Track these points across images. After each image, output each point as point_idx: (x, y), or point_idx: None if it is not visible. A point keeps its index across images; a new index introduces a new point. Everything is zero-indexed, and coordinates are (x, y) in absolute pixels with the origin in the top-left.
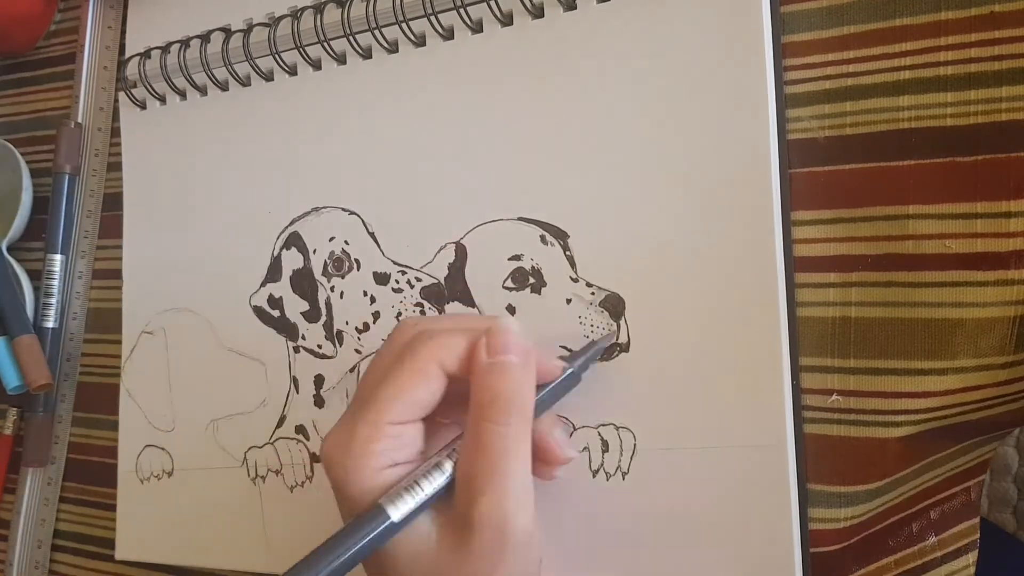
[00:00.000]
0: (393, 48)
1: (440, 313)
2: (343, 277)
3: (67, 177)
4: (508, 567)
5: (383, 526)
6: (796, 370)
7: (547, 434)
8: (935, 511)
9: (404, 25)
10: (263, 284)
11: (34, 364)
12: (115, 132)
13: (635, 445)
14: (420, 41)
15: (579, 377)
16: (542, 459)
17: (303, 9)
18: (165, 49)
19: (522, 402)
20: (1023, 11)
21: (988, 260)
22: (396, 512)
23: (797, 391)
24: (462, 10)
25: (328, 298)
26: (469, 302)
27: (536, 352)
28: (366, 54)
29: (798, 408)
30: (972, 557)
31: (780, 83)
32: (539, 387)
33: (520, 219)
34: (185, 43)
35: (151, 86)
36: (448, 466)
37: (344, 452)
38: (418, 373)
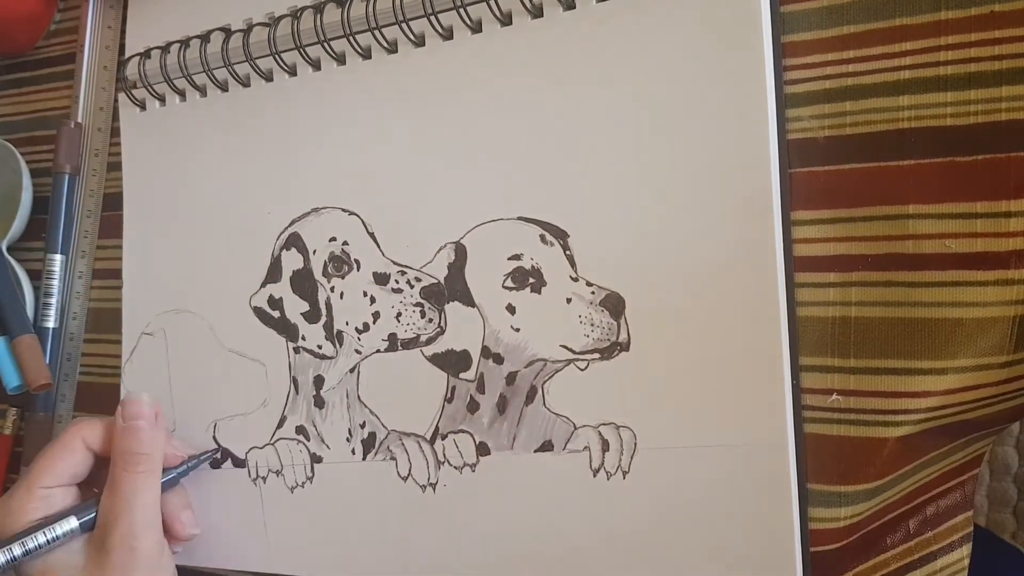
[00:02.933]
0: (393, 48)
1: (440, 313)
2: (343, 277)
3: (67, 177)
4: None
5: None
6: (796, 370)
7: (176, 514)
8: (931, 507)
9: (404, 25)
10: (263, 285)
11: (34, 364)
12: (115, 132)
13: (635, 444)
14: (420, 41)
15: (197, 465)
16: (169, 533)
17: (303, 9)
18: (165, 49)
19: (150, 452)
20: (1023, 11)
21: (988, 260)
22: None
23: (797, 391)
24: (462, 10)
25: (328, 298)
26: (469, 302)
27: (166, 434)
28: (366, 54)
29: (798, 408)
30: (966, 550)
31: (780, 83)
32: (166, 470)
33: (520, 219)
34: (185, 43)
35: (151, 86)
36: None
37: (4, 511)
38: (63, 447)
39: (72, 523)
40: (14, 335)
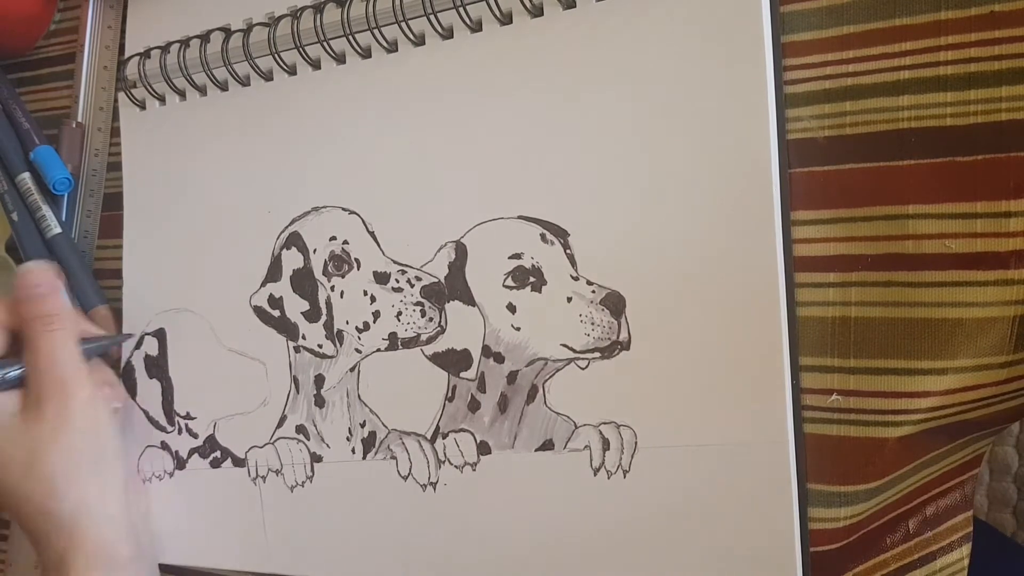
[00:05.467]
0: (392, 48)
1: (441, 312)
2: (343, 276)
3: None
4: (79, 423)
5: None
6: (796, 370)
7: (96, 386)
8: (931, 507)
9: (403, 24)
10: (263, 284)
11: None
12: (115, 132)
13: (636, 443)
14: (419, 40)
15: (112, 343)
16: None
17: (303, 9)
18: (165, 49)
19: (58, 315)
20: (1023, 11)
21: (988, 260)
22: None
23: (797, 391)
24: (461, 9)
25: (328, 298)
26: (469, 301)
27: (64, 292)
28: (365, 54)
29: (798, 408)
30: (966, 550)
31: (780, 83)
32: (85, 341)
33: (520, 217)
34: (185, 43)
35: (151, 86)
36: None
37: None
38: None
39: (10, 366)
40: (88, 307)
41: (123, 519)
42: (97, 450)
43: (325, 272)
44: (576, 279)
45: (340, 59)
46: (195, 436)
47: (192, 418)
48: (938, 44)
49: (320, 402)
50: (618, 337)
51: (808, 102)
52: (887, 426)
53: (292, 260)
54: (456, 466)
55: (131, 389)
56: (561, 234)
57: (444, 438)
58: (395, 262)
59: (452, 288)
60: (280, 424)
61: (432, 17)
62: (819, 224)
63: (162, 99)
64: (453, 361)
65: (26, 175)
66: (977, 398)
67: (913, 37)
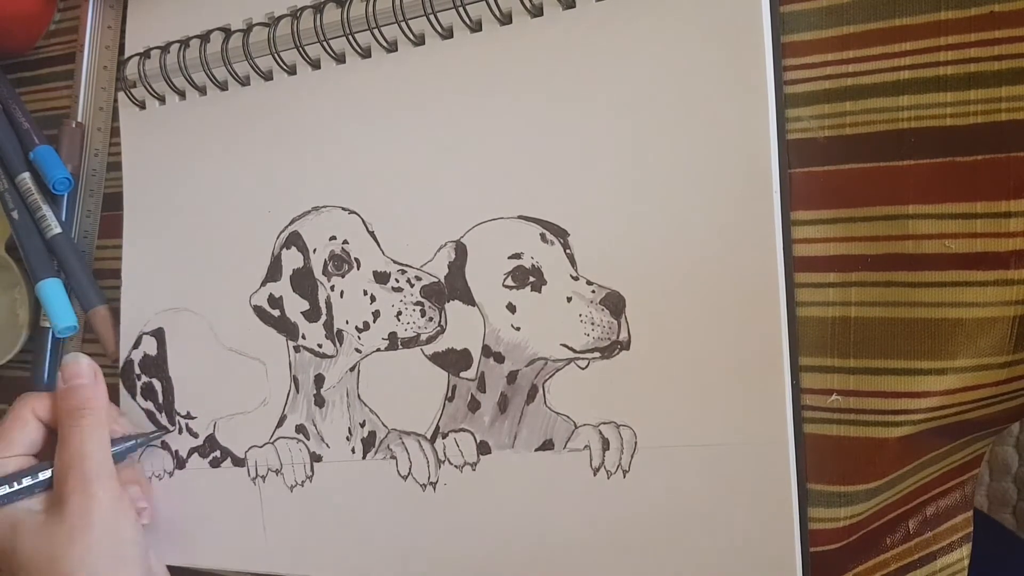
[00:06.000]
0: (392, 47)
1: (441, 311)
2: (343, 276)
3: None
4: (97, 526)
5: None
6: (796, 370)
7: (122, 487)
8: (931, 507)
9: (403, 24)
10: (263, 283)
11: (106, 335)
12: (115, 132)
13: (636, 443)
14: (419, 40)
15: (147, 442)
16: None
17: (302, 9)
18: (165, 49)
19: (93, 407)
20: (1023, 11)
21: (988, 260)
22: None
23: (797, 391)
24: (461, 9)
25: (328, 297)
26: (469, 301)
27: (104, 384)
28: (365, 53)
29: (798, 408)
30: (966, 550)
31: (780, 83)
32: (114, 442)
33: (520, 217)
34: (185, 43)
35: (151, 86)
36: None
37: None
38: (15, 419)
39: (43, 468)
40: (88, 307)
41: None
42: (117, 553)
43: (325, 272)
44: (576, 279)
45: (340, 59)
46: (195, 435)
47: (192, 417)
48: (938, 44)
49: (320, 402)
50: (618, 337)
51: (808, 102)
52: (887, 426)
53: (292, 260)
54: (456, 466)
55: (130, 389)
56: (561, 234)
57: (444, 438)
58: (395, 262)
59: (452, 288)
60: (280, 424)
61: (432, 17)
62: (819, 224)
63: (162, 99)
64: (453, 361)
65: (26, 175)
66: (977, 398)
67: (913, 37)
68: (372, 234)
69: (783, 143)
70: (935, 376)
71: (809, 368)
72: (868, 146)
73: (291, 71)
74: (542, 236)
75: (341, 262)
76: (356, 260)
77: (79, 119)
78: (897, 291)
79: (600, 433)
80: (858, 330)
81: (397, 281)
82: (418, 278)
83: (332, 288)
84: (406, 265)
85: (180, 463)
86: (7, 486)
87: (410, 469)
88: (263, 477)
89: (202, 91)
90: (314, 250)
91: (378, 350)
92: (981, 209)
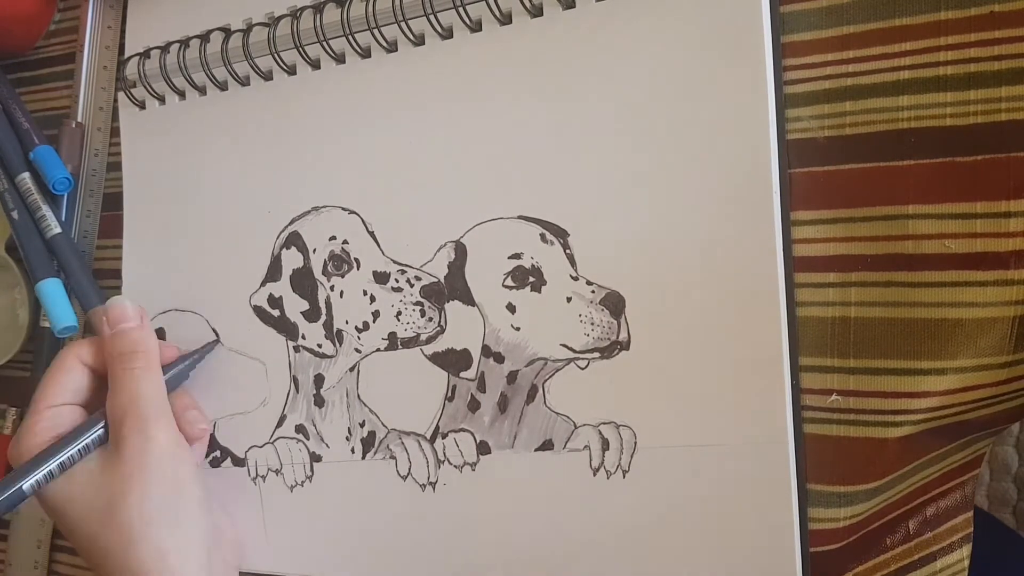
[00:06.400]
0: (392, 47)
1: (440, 311)
2: (343, 276)
3: None
4: (157, 466)
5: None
6: (796, 370)
7: (181, 413)
8: (931, 507)
9: (403, 24)
10: (263, 284)
11: None
12: (115, 132)
13: (635, 443)
14: (419, 40)
15: (197, 361)
16: (182, 432)
17: (302, 9)
18: (164, 49)
19: (144, 349)
20: (1023, 11)
21: (988, 260)
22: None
23: (797, 391)
24: (461, 9)
25: (328, 297)
26: (469, 301)
27: (150, 325)
28: (365, 53)
29: (798, 408)
30: (966, 551)
31: (780, 83)
32: (165, 367)
33: (520, 217)
34: (184, 43)
35: (150, 86)
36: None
37: (17, 438)
38: (61, 367)
39: (98, 424)
40: (88, 307)
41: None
42: (176, 497)
43: (325, 272)
44: (576, 279)
45: (340, 59)
46: None
47: None
48: (938, 44)
49: (320, 402)
50: (617, 337)
51: (808, 102)
52: (887, 426)
53: (292, 260)
54: (455, 466)
55: None
56: (561, 234)
57: (444, 438)
58: (395, 262)
59: (452, 288)
60: (280, 424)
61: (432, 17)
62: (819, 224)
63: (162, 99)
64: (453, 361)
65: (26, 175)
66: (977, 398)
67: (913, 37)
68: (372, 234)
69: (783, 143)
70: (935, 376)
71: (809, 368)
72: (868, 146)
73: (291, 71)
74: (542, 236)
75: (341, 262)
76: (356, 260)
77: (79, 119)
78: (897, 291)
79: (600, 433)
80: (858, 330)
81: (397, 281)
82: (418, 278)
83: (332, 288)
84: (406, 265)
85: None
86: (71, 446)
87: (410, 469)
88: (263, 477)
89: (202, 91)
90: (314, 250)
91: (378, 350)
92: (981, 209)
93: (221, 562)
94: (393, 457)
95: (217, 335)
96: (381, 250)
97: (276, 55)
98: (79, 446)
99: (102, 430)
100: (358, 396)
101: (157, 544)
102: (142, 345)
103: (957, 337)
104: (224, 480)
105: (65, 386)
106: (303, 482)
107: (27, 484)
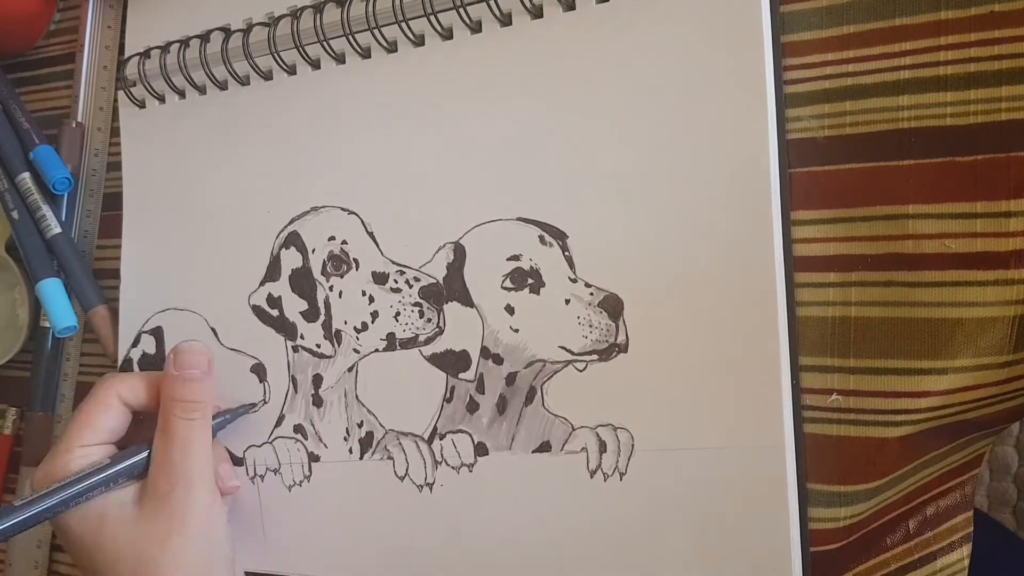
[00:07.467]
0: (392, 48)
1: (439, 313)
2: (342, 277)
3: None
4: (195, 527)
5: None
6: (796, 370)
7: (215, 467)
8: (931, 507)
9: (403, 25)
10: (262, 283)
11: (105, 335)
12: (115, 132)
13: (633, 446)
14: (419, 41)
15: (235, 418)
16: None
17: (303, 9)
18: (165, 49)
19: (204, 403)
20: (1023, 11)
21: (988, 260)
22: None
23: (797, 391)
24: (461, 10)
25: (327, 297)
26: (467, 302)
27: (215, 385)
28: (365, 54)
29: (798, 408)
30: (966, 550)
31: (780, 83)
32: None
33: (519, 219)
34: (185, 43)
35: (150, 85)
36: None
37: (44, 474)
38: (99, 404)
39: (141, 454)
40: (88, 307)
41: None
42: (210, 557)
43: (324, 272)
44: (574, 281)
45: (340, 59)
46: None
47: None
48: (938, 44)
49: (318, 402)
50: (616, 340)
51: (808, 102)
52: (887, 426)
53: (291, 260)
54: (453, 467)
55: None
56: (560, 236)
57: (441, 439)
58: (394, 262)
59: (450, 289)
60: (278, 423)
61: (432, 17)
62: (819, 224)
63: (162, 98)
64: (451, 362)
65: (26, 175)
66: (977, 398)
67: (913, 37)
68: (371, 235)
69: (783, 143)
70: (935, 376)
71: (809, 368)
72: (868, 146)
73: (291, 71)
74: (541, 238)
75: (340, 262)
76: (355, 260)
77: (79, 119)
78: (897, 291)
79: (597, 435)
80: (858, 330)
81: (396, 282)
82: (417, 279)
83: (331, 288)
84: (405, 266)
85: None
86: (103, 476)
87: (407, 470)
88: (261, 477)
89: (202, 91)
90: (313, 250)
91: (376, 351)
92: (981, 209)
93: None
94: (391, 458)
95: (215, 333)
96: (380, 251)
97: (276, 55)
98: (118, 471)
99: (142, 465)
100: (356, 396)
101: None
102: (202, 395)
103: (957, 337)
104: None
105: (101, 426)
106: (301, 482)
107: (63, 500)
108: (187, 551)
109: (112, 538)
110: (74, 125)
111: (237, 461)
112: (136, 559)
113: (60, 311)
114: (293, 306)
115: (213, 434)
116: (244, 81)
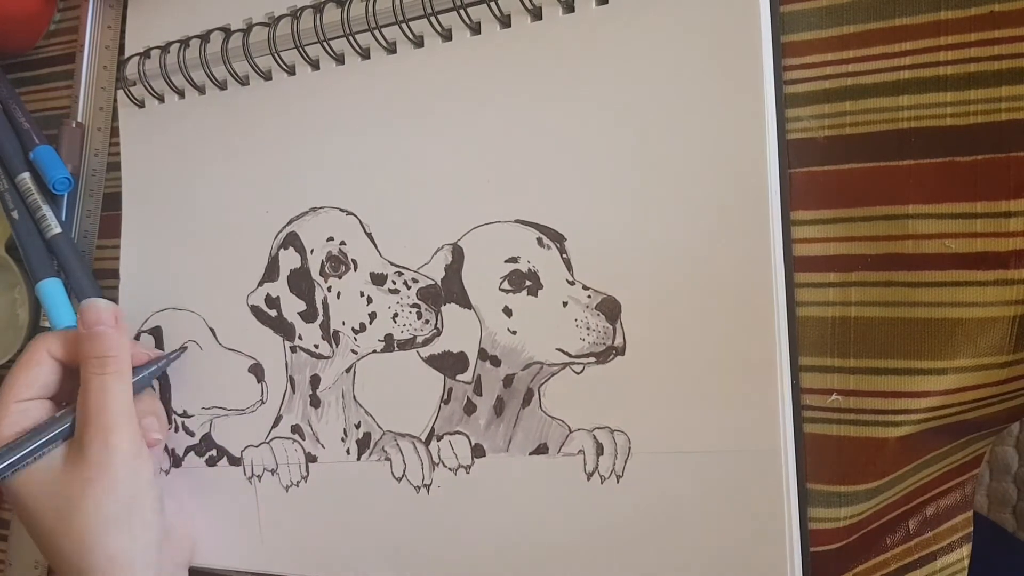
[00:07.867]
0: (392, 48)
1: (437, 314)
2: (340, 277)
3: None
4: (115, 475)
5: None
6: (796, 370)
7: (140, 418)
8: (931, 507)
9: (403, 26)
10: (260, 284)
11: None
12: (115, 132)
13: (629, 448)
14: (419, 42)
15: (165, 366)
16: None
17: (302, 9)
18: (164, 49)
19: (115, 356)
20: (1023, 11)
21: (988, 260)
22: None
23: (797, 391)
24: (461, 11)
25: (325, 298)
26: (466, 304)
27: (127, 328)
28: (365, 54)
29: (798, 408)
30: (966, 550)
31: (780, 83)
32: (134, 370)
33: (517, 221)
34: (185, 43)
35: (150, 85)
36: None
37: None
38: (30, 360)
39: (66, 422)
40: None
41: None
42: (131, 505)
43: (322, 272)
44: (572, 283)
45: (339, 59)
46: (191, 434)
47: (188, 416)
48: (938, 44)
49: (316, 402)
50: (613, 342)
51: (808, 102)
52: (887, 426)
53: (289, 260)
54: (450, 468)
55: None
56: (558, 238)
57: (439, 440)
58: (392, 264)
59: (448, 291)
60: (276, 424)
61: (432, 18)
62: (819, 224)
63: (161, 98)
64: (449, 363)
65: (26, 175)
66: (977, 398)
67: (913, 37)
68: (369, 236)
69: (783, 143)
70: (935, 376)
71: (809, 368)
72: (868, 146)
73: (291, 71)
74: (539, 240)
75: (338, 263)
76: (353, 261)
77: (79, 119)
78: (897, 291)
79: (594, 438)
80: (858, 330)
81: (394, 283)
82: (415, 280)
83: (329, 289)
84: (403, 267)
85: (176, 461)
86: (36, 442)
87: (404, 471)
88: (259, 477)
89: (201, 91)
90: (311, 251)
91: (374, 352)
92: (981, 209)
93: (170, 561)
94: (388, 459)
95: (214, 333)
96: (379, 252)
97: (276, 55)
98: (46, 440)
99: (69, 426)
100: (354, 397)
101: (109, 551)
102: (115, 350)
103: (957, 337)
104: (220, 479)
105: (34, 381)
106: (298, 482)
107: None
108: (107, 498)
109: (40, 489)
110: (74, 125)
111: (234, 461)
112: (56, 509)
113: (60, 311)
114: (291, 307)
115: (144, 385)
116: (244, 81)
